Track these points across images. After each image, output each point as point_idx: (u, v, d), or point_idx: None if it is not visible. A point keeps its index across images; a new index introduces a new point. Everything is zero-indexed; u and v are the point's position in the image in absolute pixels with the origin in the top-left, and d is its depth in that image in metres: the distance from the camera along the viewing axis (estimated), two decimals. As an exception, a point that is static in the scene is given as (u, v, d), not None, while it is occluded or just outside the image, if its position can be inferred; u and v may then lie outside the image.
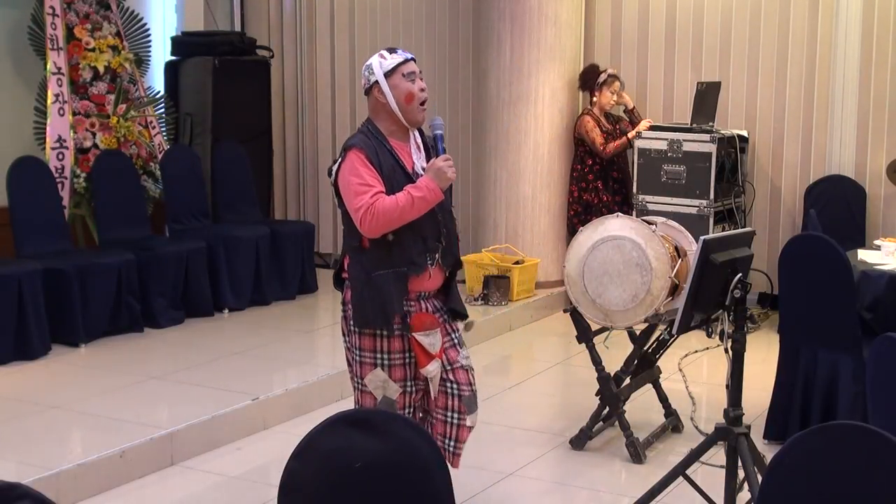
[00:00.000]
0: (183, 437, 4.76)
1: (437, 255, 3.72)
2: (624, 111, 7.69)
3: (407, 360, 3.67)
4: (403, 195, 3.56)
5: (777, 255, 4.94)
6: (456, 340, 3.82)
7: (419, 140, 3.77)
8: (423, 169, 3.69)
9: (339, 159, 3.64)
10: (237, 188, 7.67)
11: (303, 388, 5.43)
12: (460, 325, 3.94)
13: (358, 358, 3.67)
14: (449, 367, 3.75)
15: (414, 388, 3.71)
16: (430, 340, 3.68)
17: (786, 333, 4.93)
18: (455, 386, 3.76)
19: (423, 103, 3.70)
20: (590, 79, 7.62)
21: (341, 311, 3.77)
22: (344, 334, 3.76)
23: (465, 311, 3.91)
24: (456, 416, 3.77)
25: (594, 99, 7.61)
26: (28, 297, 5.79)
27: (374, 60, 3.72)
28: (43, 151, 6.86)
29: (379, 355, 3.65)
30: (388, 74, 3.67)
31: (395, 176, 3.64)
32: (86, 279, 6.11)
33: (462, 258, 7.57)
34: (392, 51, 3.73)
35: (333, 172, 3.66)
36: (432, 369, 3.68)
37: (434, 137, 3.76)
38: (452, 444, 3.77)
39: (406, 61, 3.69)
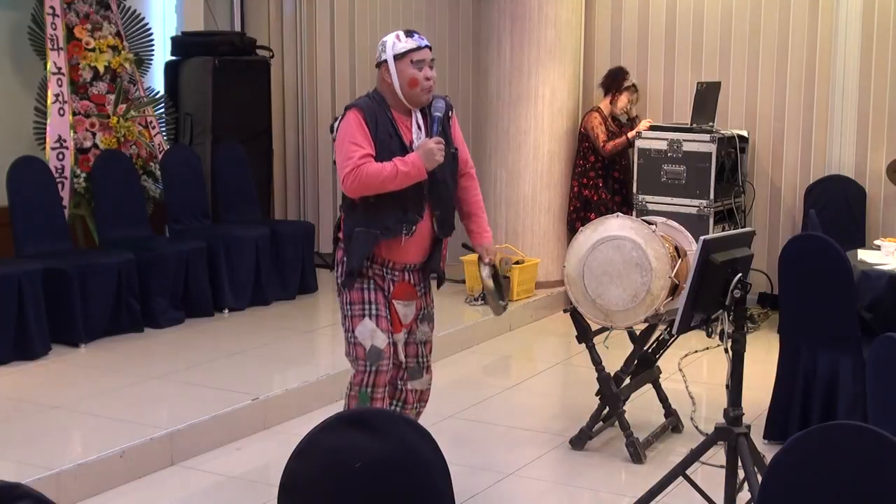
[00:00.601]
0: (183, 437, 4.76)
1: (413, 227, 3.87)
2: (627, 119, 7.69)
3: (386, 315, 3.91)
4: (390, 165, 3.71)
5: (777, 255, 4.94)
6: (423, 314, 4.07)
7: (420, 120, 3.88)
8: (435, 131, 3.87)
9: (340, 117, 3.78)
10: (237, 188, 7.67)
11: (303, 388, 5.43)
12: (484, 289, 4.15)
13: (349, 312, 3.89)
14: (404, 335, 4.03)
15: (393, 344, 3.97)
16: (406, 311, 3.96)
17: (786, 333, 4.93)
18: (405, 358, 4.05)
19: (427, 90, 3.81)
20: (617, 81, 7.59)
21: (335, 271, 3.98)
22: (337, 294, 3.97)
23: (442, 273, 4.16)
24: (399, 382, 4.05)
25: (611, 100, 7.59)
26: (28, 297, 5.79)
27: (389, 39, 3.81)
28: (43, 151, 6.86)
29: (367, 306, 3.87)
30: (397, 57, 3.77)
31: (392, 143, 3.79)
32: (86, 279, 6.11)
33: (462, 258, 7.65)
34: (409, 34, 3.81)
35: (334, 129, 3.81)
36: (399, 338, 3.97)
37: (432, 118, 3.86)
38: (399, 405, 4.06)
39: (419, 48, 3.78)
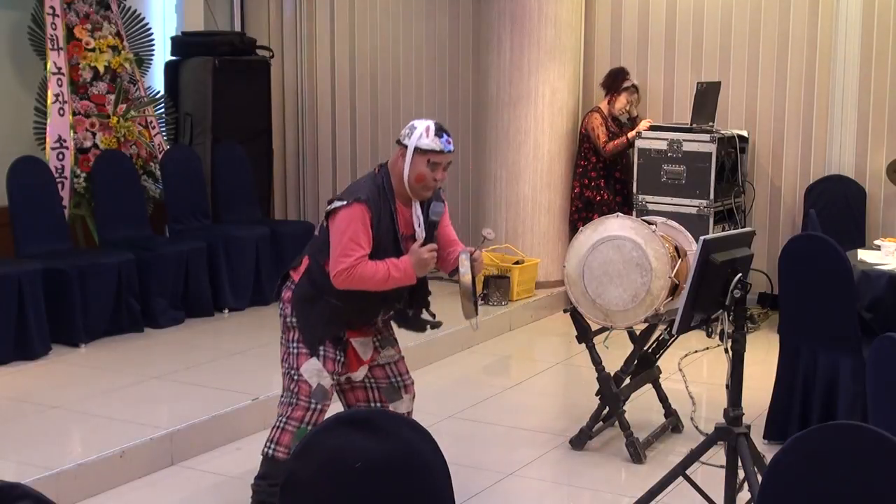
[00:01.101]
0: (183, 437, 4.76)
1: (390, 311, 3.95)
2: (627, 119, 7.68)
3: (337, 358, 3.87)
4: (384, 270, 3.72)
5: (777, 255, 4.94)
6: (377, 344, 4.03)
7: (419, 212, 3.87)
8: (412, 238, 3.84)
9: (346, 203, 3.72)
10: (237, 188, 7.67)
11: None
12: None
13: (295, 350, 3.87)
14: (365, 370, 4.01)
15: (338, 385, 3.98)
16: (363, 348, 3.94)
17: (786, 333, 4.93)
18: (373, 380, 4.04)
19: (431, 189, 3.80)
20: (617, 81, 7.60)
21: (279, 309, 3.96)
22: (281, 331, 3.96)
23: (423, 326, 4.12)
24: (378, 405, 4.03)
25: (610, 100, 7.60)
26: (28, 297, 5.79)
27: (420, 127, 3.77)
28: (43, 151, 6.86)
29: (320, 349, 3.85)
30: (417, 150, 3.73)
31: (386, 239, 3.79)
32: (86, 279, 6.11)
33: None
34: (440, 133, 3.75)
35: (335, 206, 3.75)
36: (360, 374, 3.97)
37: (429, 224, 3.84)
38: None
39: (441, 153, 3.74)
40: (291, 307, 3.88)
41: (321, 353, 3.83)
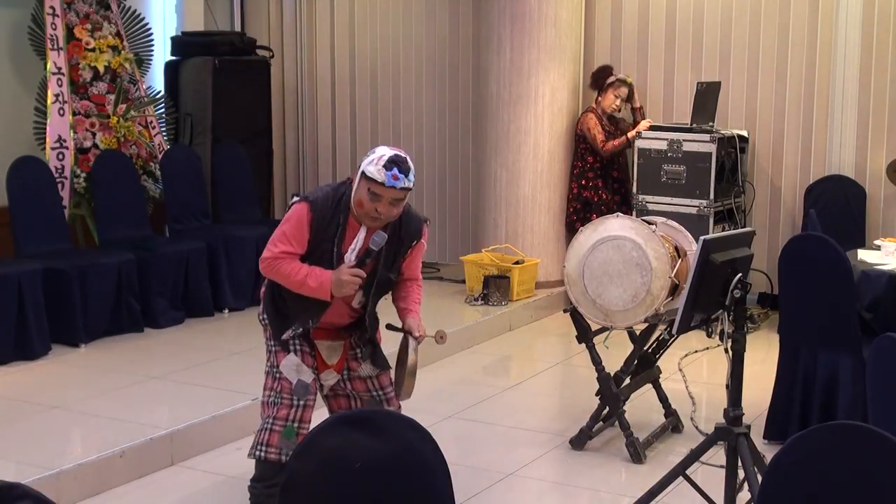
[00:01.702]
0: (183, 437, 4.76)
1: (315, 322, 3.83)
2: (631, 109, 7.68)
3: (312, 353, 3.87)
4: (302, 274, 3.69)
5: (777, 255, 4.94)
6: (359, 355, 3.96)
7: (362, 237, 3.74)
8: (351, 262, 3.72)
9: (298, 199, 3.77)
10: (237, 188, 7.67)
11: (303, 388, 5.42)
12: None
13: (273, 347, 3.86)
14: (347, 377, 3.95)
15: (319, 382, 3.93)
16: (329, 352, 3.89)
17: (786, 333, 4.93)
18: (355, 393, 3.98)
19: (372, 219, 3.65)
20: (601, 78, 7.61)
21: (262, 312, 3.95)
22: (263, 330, 3.95)
23: (386, 364, 3.99)
24: None
25: (598, 99, 7.61)
26: (28, 297, 5.79)
27: (377, 153, 3.63)
28: (43, 151, 6.86)
29: (291, 341, 3.83)
30: (363, 175, 3.61)
31: (324, 250, 3.71)
32: (86, 279, 6.11)
33: (462, 258, 7.65)
34: (389, 167, 3.56)
35: (290, 202, 3.84)
36: (326, 378, 3.90)
37: (367, 251, 3.71)
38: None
39: (383, 185, 3.55)
40: (262, 304, 3.92)
41: (297, 348, 3.82)
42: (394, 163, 3.57)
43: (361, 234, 3.73)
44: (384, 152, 3.63)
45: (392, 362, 3.98)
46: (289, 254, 3.70)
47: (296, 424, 3.80)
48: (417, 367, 3.82)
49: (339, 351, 3.92)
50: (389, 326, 3.94)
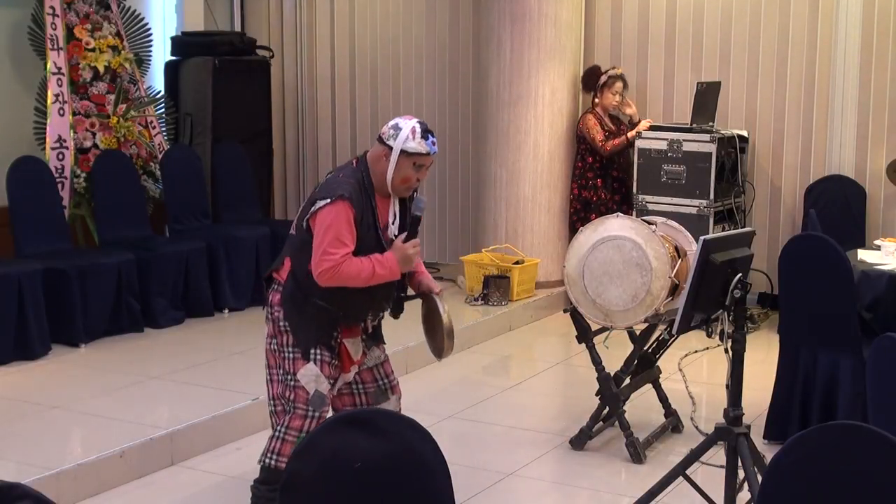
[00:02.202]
0: (183, 437, 4.76)
1: (380, 314, 3.91)
2: (629, 122, 7.68)
3: (333, 362, 3.82)
4: (368, 266, 3.67)
5: (777, 255, 4.94)
6: (364, 345, 3.97)
7: (397, 208, 3.82)
8: (395, 235, 3.78)
9: (329, 201, 3.64)
10: (237, 188, 7.67)
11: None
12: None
13: (290, 355, 3.79)
14: (357, 371, 3.96)
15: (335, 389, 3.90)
16: (355, 348, 3.88)
17: (786, 333, 4.93)
18: (361, 385, 3.99)
19: (412, 188, 3.78)
20: (591, 80, 7.63)
21: (267, 311, 3.86)
22: (270, 335, 3.85)
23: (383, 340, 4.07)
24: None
25: (596, 100, 7.61)
26: (28, 297, 5.79)
27: (406, 128, 3.70)
28: (43, 151, 6.86)
29: (312, 351, 3.78)
30: (403, 152, 3.68)
31: (369, 236, 3.73)
32: (86, 279, 6.11)
33: (462, 258, 7.64)
34: (425, 135, 3.70)
35: (317, 206, 3.67)
36: (349, 376, 3.91)
37: (412, 219, 3.79)
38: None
39: (427, 154, 3.70)
40: (283, 310, 3.80)
41: (318, 357, 3.77)
42: (426, 131, 3.71)
43: (393, 206, 3.80)
44: (412, 124, 3.71)
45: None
46: (347, 254, 3.65)
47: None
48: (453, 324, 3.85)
49: (360, 345, 3.91)
50: (404, 298, 3.93)
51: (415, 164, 3.69)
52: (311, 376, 3.76)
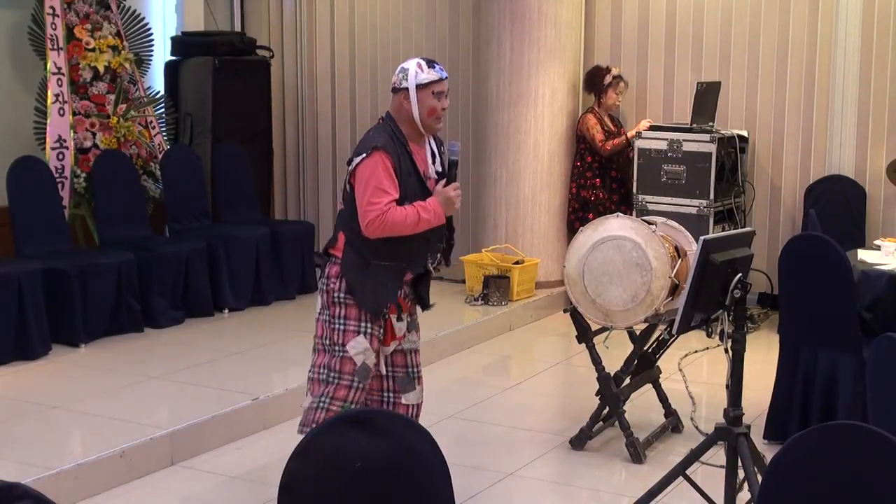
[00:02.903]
0: (183, 437, 4.76)
1: (437, 256, 3.97)
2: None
3: (379, 335, 3.89)
4: (413, 212, 3.76)
5: (777, 255, 4.94)
6: (409, 324, 4.05)
7: (434, 146, 3.95)
8: (436, 174, 3.91)
9: (365, 154, 3.75)
10: (237, 188, 7.67)
11: (303, 388, 5.38)
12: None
13: (342, 326, 3.85)
14: (395, 346, 4.01)
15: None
16: (399, 325, 3.95)
17: (786, 333, 4.93)
18: (391, 369, 4.02)
19: (441, 119, 3.88)
20: (596, 81, 7.62)
21: (324, 284, 3.90)
22: (323, 307, 3.90)
23: (429, 302, 4.10)
24: (391, 395, 4.02)
25: (600, 100, 7.61)
26: (28, 297, 5.78)
27: (412, 68, 3.84)
28: (43, 151, 6.86)
29: (363, 324, 3.85)
30: (420, 87, 3.81)
31: (410, 180, 3.83)
32: (86, 279, 6.10)
33: (462, 258, 7.64)
34: (430, 65, 3.85)
35: (354, 163, 3.78)
36: (387, 350, 3.98)
37: (450, 163, 3.92)
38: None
39: (441, 80, 3.84)
40: (342, 281, 3.84)
41: (367, 331, 3.83)
42: (430, 62, 3.85)
43: (431, 144, 3.90)
44: (415, 62, 3.84)
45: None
46: (391, 201, 3.73)
47: (353, 406, 3.84)
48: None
49: (404, 323, 3.98)
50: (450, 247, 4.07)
51: (433, 92, 3.80)
52: (360, 348, 3.84)
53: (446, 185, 3.87)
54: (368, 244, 3.80)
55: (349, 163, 3.83)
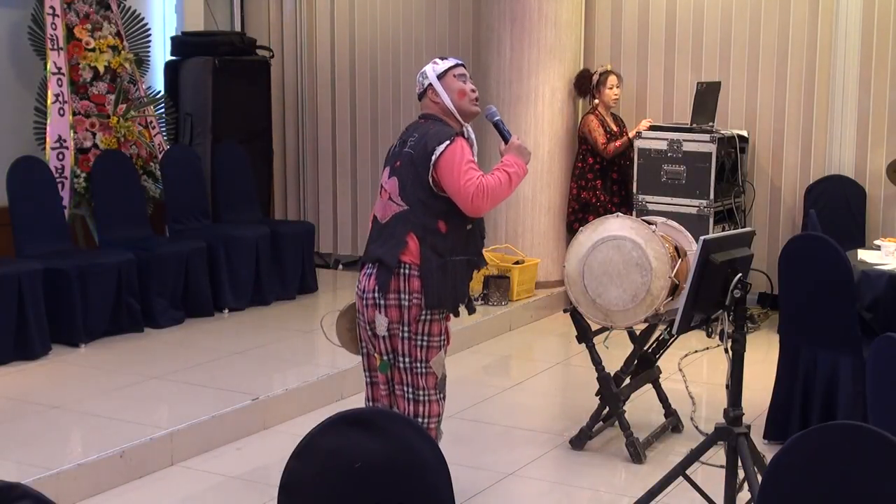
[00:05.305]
0: (183, 437, 4.76)
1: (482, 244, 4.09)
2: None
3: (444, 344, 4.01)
4: (501, 174, 3.84)
5: (777, 255, 4.94)
6: None
7: (472, 137, 4.01)
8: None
9: (448, 142, 3.78)
10: (237, 188, 7.67)
11: (303, 388, 5.43)
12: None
13: (426, 343, 3.91)
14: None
15: None
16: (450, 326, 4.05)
17: (786, 333, 4.93)
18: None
19: (475, 101, 3.96)
20: (585, 84, 7.63)
21: (405, 300, 3.82)
22: (403, 323, 3.85)
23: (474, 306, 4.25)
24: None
25: (596, 101, 7.61)
26: (28, 297, 5.79)
27: (428, 67, 3.96)
28: (43, 151, 6.86)
29: (441, 338, 3.95)
30: (441, 76, 3.91)
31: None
32: (86, 279, 6.11)
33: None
34: (443, 58, 3.99)
35: (438, 151, 3.76)
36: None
37: (495, 124, 4.00)
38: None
39: (457, 65, 3.95)
40: (425, 296, 3.80)
41: (444, 342, 3.93)
42: (441, 58, 3.99)
43: (472, 135, 3.98)
44: (429, 64, 3.94)
45: None
46: (482, 175, 3.80)
47: (441, 419, 3.99)
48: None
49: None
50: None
51: (454, 76, 3.90)
52: (441, 362, 3.95)
53: (506, 141, 3.95)
54: (446, 239, 3.82)
55: (427, 157, 3.75)
